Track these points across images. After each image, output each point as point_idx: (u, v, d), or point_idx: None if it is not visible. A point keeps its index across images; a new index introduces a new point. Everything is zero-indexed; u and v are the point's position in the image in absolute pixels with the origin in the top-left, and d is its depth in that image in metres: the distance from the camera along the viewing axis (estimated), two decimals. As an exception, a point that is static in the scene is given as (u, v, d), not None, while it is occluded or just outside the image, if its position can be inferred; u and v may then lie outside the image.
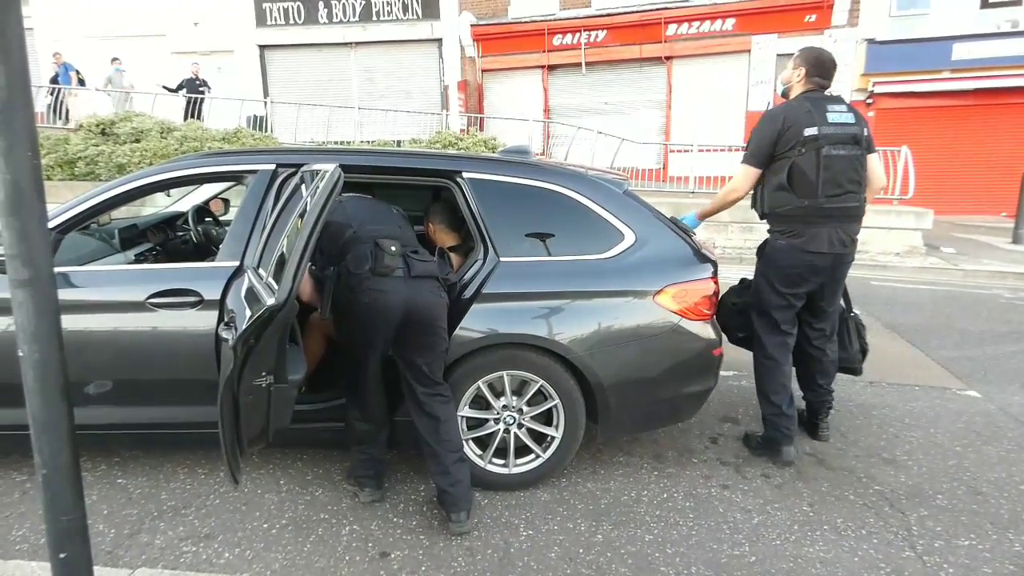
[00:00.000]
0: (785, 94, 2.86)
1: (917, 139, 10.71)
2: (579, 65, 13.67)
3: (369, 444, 2.38)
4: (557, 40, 13.67)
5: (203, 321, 2.29)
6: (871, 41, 12.23)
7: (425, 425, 2.25)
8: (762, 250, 2.89)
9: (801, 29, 12.37)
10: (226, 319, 2.05)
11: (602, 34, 13.44)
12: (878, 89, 12.29)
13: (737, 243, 9.19)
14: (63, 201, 2.56)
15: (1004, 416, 3.38)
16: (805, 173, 2.61)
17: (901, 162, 9.23)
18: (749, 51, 12.75)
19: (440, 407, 2.25)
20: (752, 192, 2.86)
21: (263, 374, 1.78)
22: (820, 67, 2.72)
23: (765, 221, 2.88)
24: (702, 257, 2.59)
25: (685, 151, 11.60)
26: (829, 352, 2.95)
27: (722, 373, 2.75)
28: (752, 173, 2.75)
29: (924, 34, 12.13)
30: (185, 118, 11.06)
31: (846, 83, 12.31)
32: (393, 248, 2.17)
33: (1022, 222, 9.41)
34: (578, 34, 13.49)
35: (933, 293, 6.61)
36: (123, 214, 3.50)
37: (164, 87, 12.20)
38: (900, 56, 12.11)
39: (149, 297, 2.31)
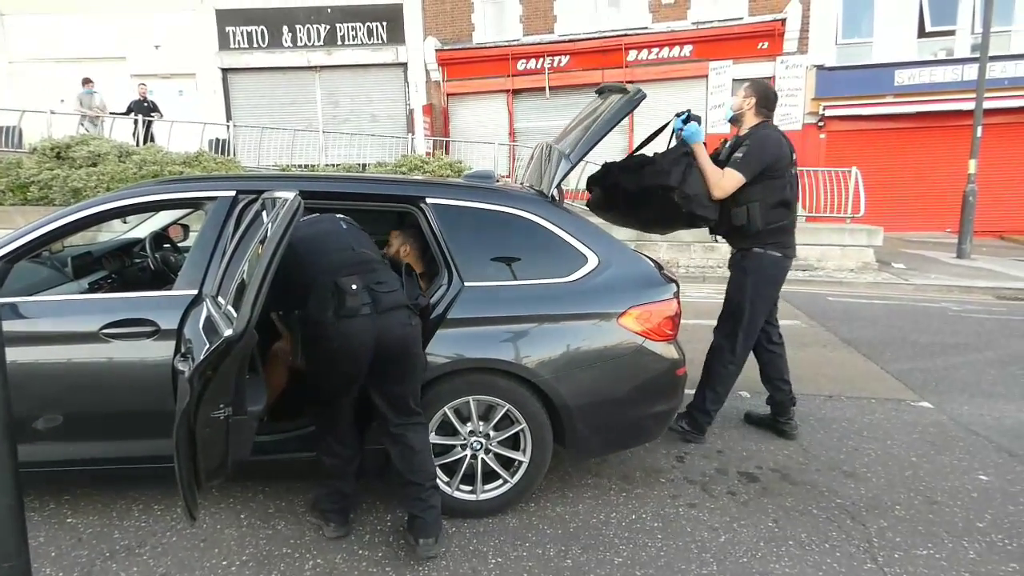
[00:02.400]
0: (735, 120, 3.15)
1: (866, 160, 11.20)
2: (543, 89, 13.93)
3: (337, 478, 2.32)
4: (521, 65, 13.92)
5: (159, 352, 2.22)
6: (820, 67, 12.84)
7: (399, 456, 2.20)
8: (752, 266, 3.07)
9: (755, 56, 12.90)
10: (183, 350, 2.00)
11: (565, 59, 13.76)
12: (828, 112, 12.86)
13: (699, 262, 9.41)
14: (15, 227, 2.48)
15: (955, 425, 3.52)
16: (795, 189, 3.06)
17: (852, 182, 9.62)
18: (706, 76, 13.21)
19: (415, 437, 2.21)
20: (739, 211, 3.00)
21: (221, 406, 1.73)
22: (767, 101, 3.12)
23: (750, 238, 3.05)
24: (664, 278, 2.66)
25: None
26: (783, 345, 3.32)
27: (687, 392, 2.80)
28: (741, 183, 2.95)
29: (868, 61, 12.84)
30: (138, 143, 10.80)
31: (798, 107, 12.84)
32: (354, 286, 2.07)
33: (965, 238, 9.90)
34: (542, 59, 13.78)
35: (886, 307, 6.86)
36: (78, 240, 3.39)
37: (111, 112, 11.94)
38: (847, 81, 12.75)
39: (103, 327, 2.23)
